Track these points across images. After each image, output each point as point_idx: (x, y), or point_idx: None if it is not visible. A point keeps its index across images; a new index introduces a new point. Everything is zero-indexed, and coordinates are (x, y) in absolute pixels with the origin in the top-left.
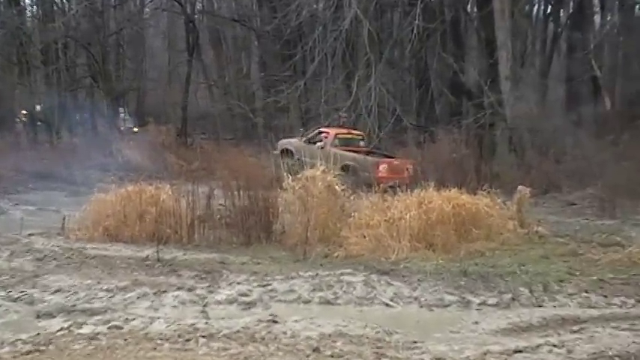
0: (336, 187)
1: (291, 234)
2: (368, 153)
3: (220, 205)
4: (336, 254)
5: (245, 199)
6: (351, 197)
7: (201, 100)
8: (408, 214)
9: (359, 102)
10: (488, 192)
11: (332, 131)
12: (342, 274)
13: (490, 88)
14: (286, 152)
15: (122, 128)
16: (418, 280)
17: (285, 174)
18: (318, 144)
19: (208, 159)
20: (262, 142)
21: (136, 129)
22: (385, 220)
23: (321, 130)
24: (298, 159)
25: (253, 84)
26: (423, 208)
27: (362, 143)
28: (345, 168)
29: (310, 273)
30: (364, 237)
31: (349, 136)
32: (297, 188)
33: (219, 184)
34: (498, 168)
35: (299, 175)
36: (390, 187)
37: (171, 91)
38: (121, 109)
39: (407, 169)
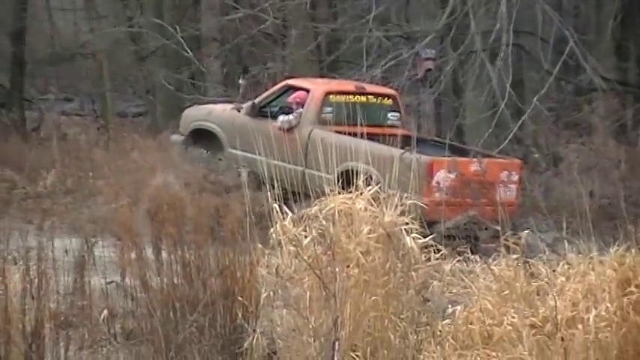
0: (407, 238)
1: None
2: (405, 141)
3: (110, 283)
4: None
5: (175, 269)
6: (445, 265)
7: (63, 18)
8: (593, 312)
9: (465, 19)
10: None
11: (316, 88)
12: None
13: None
14: (200, 137)
15: None
16: None
17: (271, 204)
18: (281, 119)
19: (80, 166)
20: None
21: None
22: (533, 327)
23: (290, 84)
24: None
25: None
26: (632, 298)
27: (392, 117)
28: (344, 178)
29: None
30: None
31: (360, 99)
32: (305, 244)
33: (108, 230)
34: None
35: (308, 209)
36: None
37: None
38: None
39: (508, 183)
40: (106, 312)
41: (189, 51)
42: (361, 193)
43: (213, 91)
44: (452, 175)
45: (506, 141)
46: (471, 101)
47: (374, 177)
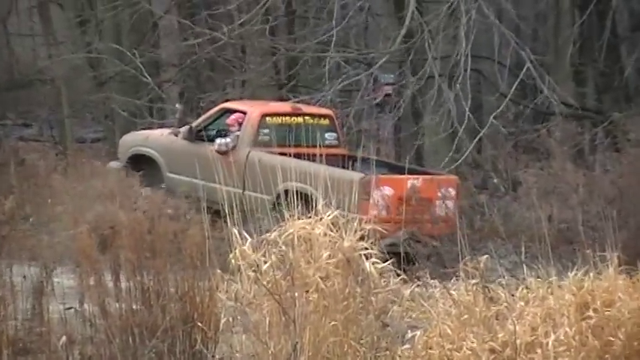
0: (367, 263)
1: None
2: (344, 160)
3: (69, 309)
4: None
5: (134, 295)
6: (404, 289)
7: (21, 44)
8: (552, 337)
9: (423, 44)
10: None
11: (253, 110)
12: None
13: None
14: (140, 163)
15: None
16: None
17: (230, 230)
18: (218, 142)
19: (39, 192)
20: None
21: None
22: (492, 351)
23: (226, 108)
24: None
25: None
26: (590, 322)
27: (329, 137)
28: (282, 199)
29: None
30: None
31: (297, 120)
32: (264, 269)
33: (69, 256)
34: None
35: (268, 234)
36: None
37: None
38: None
39: (445, 198)
40: (64, 338)
41: (147, 76)
42: (321, 218)
43: (172, 116)
44: (389, 193)
45: (462, 160)
46: (430, 125)
47: (313, 196)
